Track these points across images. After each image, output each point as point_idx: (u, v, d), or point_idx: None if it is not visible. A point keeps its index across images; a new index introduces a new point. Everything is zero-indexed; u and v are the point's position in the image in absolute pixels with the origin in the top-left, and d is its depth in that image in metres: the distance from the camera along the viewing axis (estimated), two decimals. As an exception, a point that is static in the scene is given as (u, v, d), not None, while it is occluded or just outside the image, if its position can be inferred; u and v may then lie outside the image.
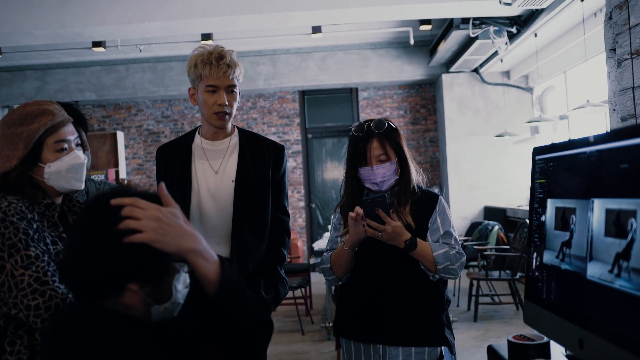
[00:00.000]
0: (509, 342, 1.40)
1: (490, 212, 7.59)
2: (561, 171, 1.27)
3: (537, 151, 1.41)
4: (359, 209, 1.79)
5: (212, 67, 1.98)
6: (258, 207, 2.10)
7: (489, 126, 7.90)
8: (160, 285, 1.10)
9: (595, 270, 1.07)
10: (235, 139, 2.16)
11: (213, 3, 5.40)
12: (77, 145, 1.60)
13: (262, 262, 2.11)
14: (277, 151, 2.18)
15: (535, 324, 1.35)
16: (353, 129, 1.94)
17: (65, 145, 1.56)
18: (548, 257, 1.29)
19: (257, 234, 2.10)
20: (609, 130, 2.62)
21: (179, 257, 1.11)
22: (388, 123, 1.92)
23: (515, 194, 7.66)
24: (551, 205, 1.30)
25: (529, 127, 7.52)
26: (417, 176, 1.96)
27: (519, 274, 5.05)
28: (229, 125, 2.15)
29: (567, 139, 1.27)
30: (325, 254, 2.02)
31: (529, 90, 7.92)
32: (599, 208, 1.08)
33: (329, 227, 6.22)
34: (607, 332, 1.02)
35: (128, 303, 1.09)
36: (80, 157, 1.58)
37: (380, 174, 1.88)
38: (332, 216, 2.10)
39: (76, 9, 5.39)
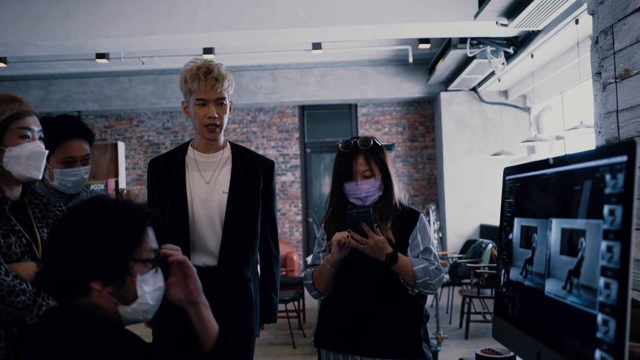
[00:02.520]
0: (476, 355, 1.45)
1: (486, 231, 7.63)
2: (526, 191, 1.33)
3: (507, 171, 1.47)
4: (343, 237, 1.85)
5: (200, 81, 2.06)
6: (250, 218, 2.18)
7: (487, 145, 7.97)
8: (123, 285, 1.15)
9: (551, 287, 1.13)
10: (227, 152, 2.23)
11: (214, 18, 5.50)
12: (40, 139, 1.62)
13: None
14: (267, 166, 2.27)
15: (502, 338, 1.40)
16: (340, 145, 2.01)
17: (29, 133, 1.58)
18: (514, 274, 1.35)
19: (248, 244, 2.18)
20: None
21: (144, 257, 1.17)
22: (374, 140, 1.99)
23: (511, 212, 7.69)
24: (517, 223, 1.36)
25: (526, 147, 7.58)
26: (399, 193, 2.02)
27: (510, 292, 5.07)
28: (221, 138, 2.22)
29: (531, 161, 1.32)
30: (308, 269, 2.08)
31: (527, 110, 7.99)
32: (555, 227, 1.13)
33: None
34: (561, 346, 1.07)
35: (97, 303, 1.14)
36: (41, 147, 1.59)
37: (364, 190, 1.94)
38: (317, 231, 2.16)
39: (80, 21, 5.49)
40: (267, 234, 2.28)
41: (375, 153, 1.98)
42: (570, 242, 1.06)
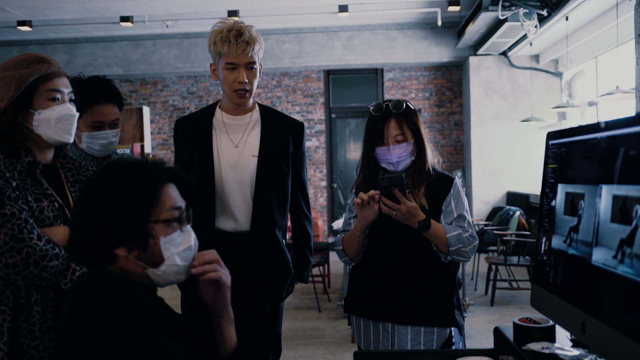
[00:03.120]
0: (514, 324, 1.41)
1: (513, 198, 7.53)
2: (572, 156, 1.27)
3: (550, 136, 1.41)
4: (362, 194, 1.81)
5: (231, 44, 1.99)
6: (280, 182, 2.14)
7: (516, 111, 7.79)
8: (147, 248, 1.12)
9: (600, 256, 1.08)
10: (256, 114, 2.18)
11: (240, -20, 5.40)
12: (70, 101, 1.58)
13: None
14: (298, 128, 2.22)
15: (541, 307, 1.36)
16: (371, 108, 1.94)
17: (58, 96, 1.53)
18: (556, 242, 1.30)
19: (279, 207, 2.15)
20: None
21: (165, 218, 1.14)
22: (406, 104, 1.93)
23: (539, 180, 7.50)
24: (561, 190, 1.30)
25: (557, 113, 7.40)
26: (432, 158, 1.96)
27: (538, 261, 5.02)
28: (250, 101, 2.17)
29: (580, 125, 1.26)
30: (338, 235, 2.04)
31: (558, 75, 7.77)
32: (606, 194, 1.08)
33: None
34: (609, 317, 1.03)
35: (126, 268, 1.13)
36: (71, 109, 1.55)
37: (396, 154, 1.89)
38: (349, 196, 2.12)
39: (105, -16, 5.45)
40: (298, 197, 2.26)
41: (407, 116, 1.92)
42: (623, 209, 1.00)
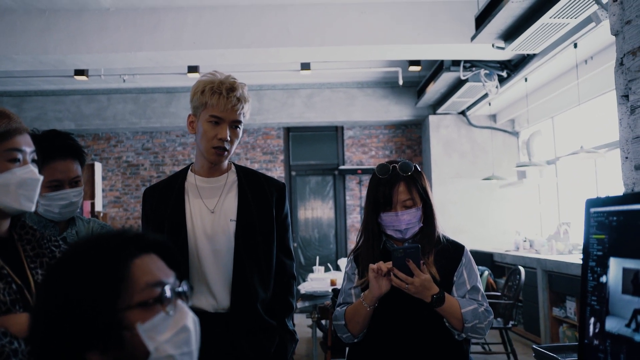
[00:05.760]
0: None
1: (476, 257, 7.43)
2: (630, 227, 1.12)
3: (592, 203, 1.27)
4: (382, 265, 1.62)
5: (221, 97, 1.81)
6: (262, 250, 1.91)
7: (475, 169, 7.86)
8: (124, 345, 0.85)
9: (688, 347, 0.92)
10: (232, 175, 1.97)
11: (203, 35, 5.29)
12: (32, 161, 1.34)
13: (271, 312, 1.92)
14: (279, 189, 2.01)
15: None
16: (377, 170, 1.77)
17: (20, 156, 1.29)
18: (613, 325, 1.13)
19: (262, 279, 1.91)
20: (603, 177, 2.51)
21: (139, 300, 0.87)
22: (414, 166, 1.77)
23: (501, 238, 7.57)
24: (617, 265, 1.15)
25: (516, 171, 7.49)
26: (442, 224, 1.80)
27: (511, 323, 4.88)
28: (226, 162, 1.97)
29: (636, 192, 1.12)
30: (338, 309, 1.82)
31: (515, 134, 7.92)
32: (692, 274, 0.93)
33: (314, 268, 6.02)
34: None
35: None
36: (35, 172, 1.32)
37: (405, 221, 1.72)
38: (346, 265, 1.91)
39: (60, 35, 5.22)
40: (281, 267, 2.02)
41: (416, 180, 1.76)
42: None
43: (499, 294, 5.52)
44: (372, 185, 1.78)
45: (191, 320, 0.92)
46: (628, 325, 1.09)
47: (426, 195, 1.77)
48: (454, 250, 1.78)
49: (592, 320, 1.22)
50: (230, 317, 1.84)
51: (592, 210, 1.27)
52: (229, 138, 1.85)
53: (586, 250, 1.27)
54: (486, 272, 5.96)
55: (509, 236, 7.49)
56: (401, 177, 1.74)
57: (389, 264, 1.64)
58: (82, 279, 0.85)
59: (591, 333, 1.21)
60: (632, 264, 1.10)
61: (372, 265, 1.64)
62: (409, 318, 1.71)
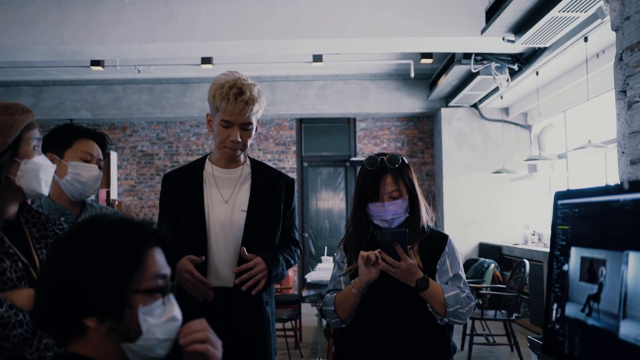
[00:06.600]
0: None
1: (485, 249, 7.50)
2: (588, 218, 1.19)
3: (559, 195, 1.33)
4: (371, 254, 1.70)
5: (229, 102, 1.90)
6: (268, 239, 2.04)
7: (487, 162, 7.87)
8: (122, 319, 0.98)
9: (630, 330, 0.98)
10: (247, 168, 2.10)
11: (216, 27, 5.37)
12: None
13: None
14: (288, 184, 2.14)
15: (555, 381, 1.24)
16: (365, 162, 1.85)
17: (39, 145, 1.44)
18: (571, 310, 1.20)
19: None
20: (611, 171, 2.56)
21: (147, 287, 1.00)
22: (402, 158, 1.85)
23: (511, 231, 7.58)
24: (576, 254, 1.21)
25: (527, 165, 7.49)
26: (426, 215, 1.88)
27: (515, 315, 4.93)
28: (242, 155, 2.08)
29: (601, 185, 1.18)
30: (328, 295, 1.91)
31: (528, 127, 7.91)
32: (635, 261, 0.99)
33: (322, 258, 6.11)
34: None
35: (97, 344, 0.98)
36: (48, 161, 1.46)
37: (391, 211, 1.79)
38: (335, 253, 1.99)
39: (77, 26, 5.34)
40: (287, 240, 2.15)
41: (403, 172, 1.83)
42: (659, 280, 0.91)
43: (504, 286, 5.56)
44: (361, 176, 1.86)
45: (179, 313, 1.05)
46: (582, 310, 1.15)
47: (412, 187, 1.84)
48: (437, 239, 1.85)
49: (554, 306, 1.28)
50: (233, 293, 1.94)
51: (560, 202, 1.33)
52: (239, 139, 1.95)
53: (553, 240, 1.34)
54: (492, 265, 6.00)
55: (518, 230, 7.50)
56: (388, 169, 1.82)
57: (378, 251, 1.71)
58: (105, 254, 0.97)
59: (554, 318, 1.28)
60: (588, 252, 1.17)
61: (362, 253, 1.72)
62: (393, 304, 1.79)
